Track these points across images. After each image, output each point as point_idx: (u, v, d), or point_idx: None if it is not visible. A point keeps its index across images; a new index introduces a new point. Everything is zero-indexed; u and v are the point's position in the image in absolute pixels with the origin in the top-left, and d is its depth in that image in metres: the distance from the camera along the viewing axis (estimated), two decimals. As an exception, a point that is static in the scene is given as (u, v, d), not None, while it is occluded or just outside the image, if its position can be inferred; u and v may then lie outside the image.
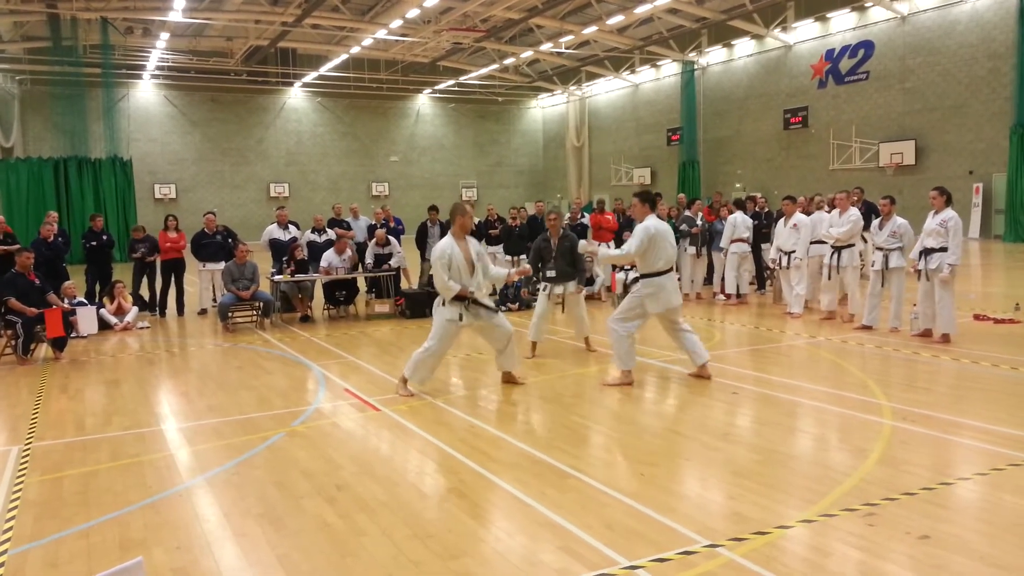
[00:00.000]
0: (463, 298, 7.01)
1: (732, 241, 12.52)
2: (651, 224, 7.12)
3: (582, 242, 8.04)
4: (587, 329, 9.18)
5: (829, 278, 10.68)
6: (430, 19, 30.07)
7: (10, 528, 4.35)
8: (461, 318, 7.03)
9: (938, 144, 25.09)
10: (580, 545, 3.88)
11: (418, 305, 12.03)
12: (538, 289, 9.26)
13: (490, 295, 13.81)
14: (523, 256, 14.15)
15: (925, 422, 5.80)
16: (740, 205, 13.17)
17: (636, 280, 7.44)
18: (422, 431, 6.01)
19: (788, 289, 11.39)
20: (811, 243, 11.12)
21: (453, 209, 7.26)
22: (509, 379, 7.51)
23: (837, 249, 10.42)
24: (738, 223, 12.54)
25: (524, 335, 9.08)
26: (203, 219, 13.54)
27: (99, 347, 10.49)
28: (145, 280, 13.20)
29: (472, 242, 7.28)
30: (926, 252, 8.85)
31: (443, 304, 7.08)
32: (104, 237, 13.27)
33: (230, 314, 11.59)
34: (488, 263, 7.43)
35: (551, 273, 9.00)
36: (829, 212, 11.18)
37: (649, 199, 7.34)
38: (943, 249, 8.68)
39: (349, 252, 12.62)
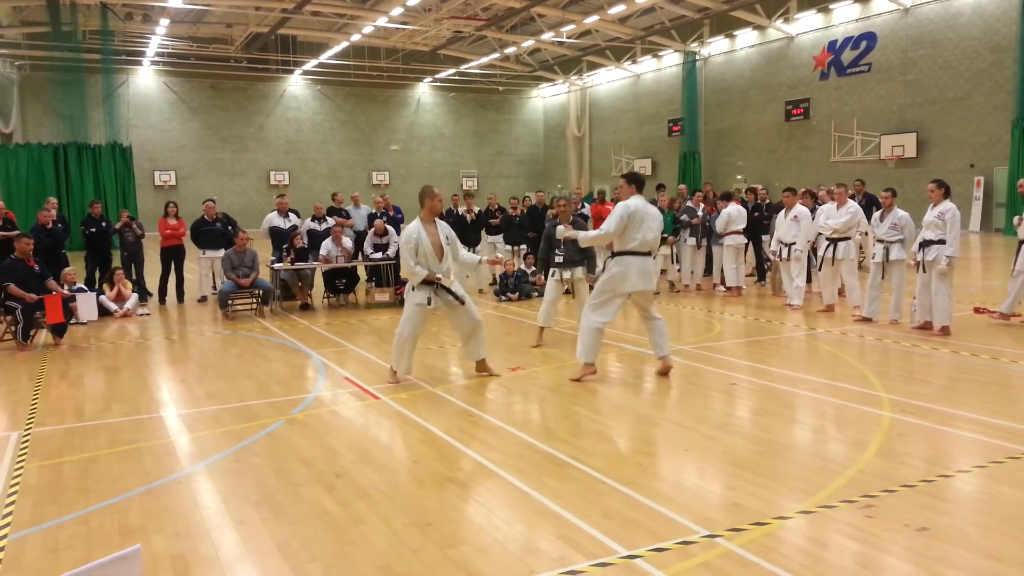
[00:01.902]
0: (430, 282, 6.98)
1: (728, 233, 12.47)
2: (632, 203, 6.93)
3: (559, 227, 7.94)
4: None
5: (819, 269, 10.69)
6: (431, 7, 29.96)
7: (10, 513, 4.36)
8: (429, 302, 7.00)
9: (939, 137, 25.04)
10: (578, 534, 3.89)
11: (418, 294, 11.98)
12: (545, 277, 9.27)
13: (490, 284, 13.91)
14: (523, 246, 14.16)
15: (924, 414, 5.81)
16: (728, 197, 13.12)
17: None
18: (421, 420, 6.01)
19: (788, 281, 11.38)
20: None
21: (422, 192, 7.13)
22: (483, 368, 7.43)
23: (833, 241, 10.42)
24: (733, 216, 12.50)
25: (526, 324, 9.07)
26: (203, 206, 13.52)
27: (99, 334, 10.49)
28: (133, 266, 13.23)
29: (442, 226, 7.18)
30: (924, 244, 8.86)
31: (412, 289, 7.07)
32: (103, 224, 13.27)
33: (230, 302, 11.59)
34: (459, 247, 7.29)
35: (559, 258, 9.02)
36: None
37: (636, 180, 7.14)
38: (941, 241, 8.69)
39: (347, 242, 12.60)
